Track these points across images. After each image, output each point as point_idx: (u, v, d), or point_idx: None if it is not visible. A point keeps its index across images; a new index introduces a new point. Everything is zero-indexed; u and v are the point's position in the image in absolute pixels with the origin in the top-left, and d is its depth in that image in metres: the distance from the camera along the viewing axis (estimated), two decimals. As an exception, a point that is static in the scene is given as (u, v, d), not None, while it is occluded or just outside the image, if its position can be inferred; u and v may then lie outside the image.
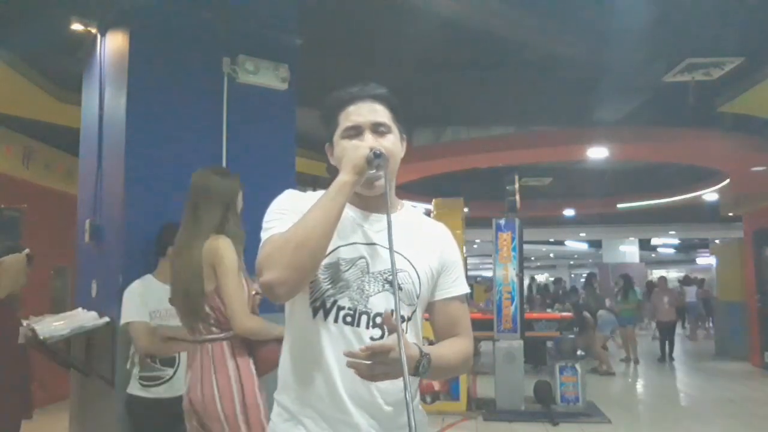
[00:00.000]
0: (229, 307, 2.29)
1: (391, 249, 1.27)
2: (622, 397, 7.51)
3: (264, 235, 1.40)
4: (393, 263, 1.27)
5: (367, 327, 1.38)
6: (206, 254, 2.33)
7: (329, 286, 1.39)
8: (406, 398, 1.10)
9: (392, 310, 1.28)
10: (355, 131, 1.43)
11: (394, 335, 1.24)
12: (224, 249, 2.32)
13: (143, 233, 3.11)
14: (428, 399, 6.63)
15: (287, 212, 1.41)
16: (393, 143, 1.45)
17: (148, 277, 3.01)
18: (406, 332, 1.43)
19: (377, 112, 1.44)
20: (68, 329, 3.14)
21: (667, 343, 11.38)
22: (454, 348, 1.47)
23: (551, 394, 6.85)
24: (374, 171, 1.37)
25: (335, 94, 1.48)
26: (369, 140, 1.41)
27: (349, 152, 1.37)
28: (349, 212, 1.45)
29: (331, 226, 1.34)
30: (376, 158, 1.35)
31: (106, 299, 3.34)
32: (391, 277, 1.40)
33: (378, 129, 1.43)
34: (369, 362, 1.21)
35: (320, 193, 1.50)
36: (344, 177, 1.35)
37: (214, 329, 2.38)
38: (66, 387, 4.12)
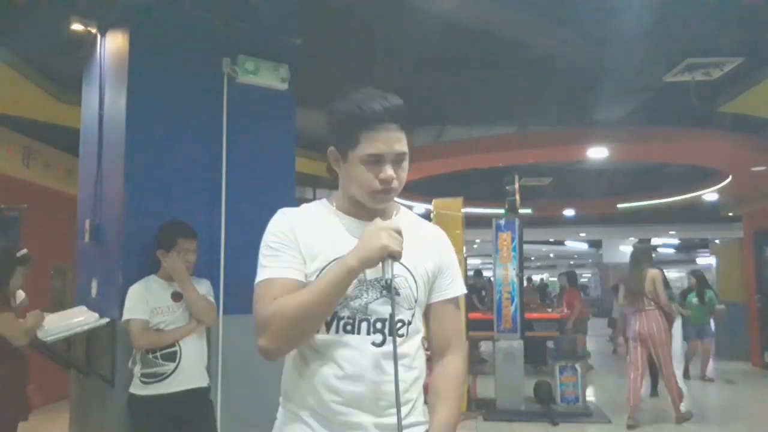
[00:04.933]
0: None
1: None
2: (622, 397, 7.49)
3: (259, 274, 1.42)
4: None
5: (368, 333, 1.40)
6: None
7: None
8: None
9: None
10: (376, 159, 1.38)
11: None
12: None
13: (143, 233, 3.11)
14: (428, 399, 6.62)
15: (280, 248, 1.42)
16: (406, 170, 1.44)
17: (152, 277, 3.05)
18: (407, 335, 1.45)
19: (400, 141, 1.39)
20: (68, 329, 3.15)
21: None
22: (453, 401, 1.50)
23: (551, 394, 6.84)
24: (386, 286, 1.36)
25: (354, 109, 1.37)
26: (388, 172, 1.38)
27: (372, 243, 1.33)
28: (345, 221, 1.46)
29: (332, 307, 1.36)
30: (386, 285, 1.34)
31: (106, 299, 3.34)
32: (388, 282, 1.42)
33: (398, 158, 1.40)
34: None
35: (315, 205, 1.52)
36: (354, 265, 1.33)
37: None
38: (66, 387, 4.12)
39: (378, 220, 1.38)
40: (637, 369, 6.21)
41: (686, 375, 9.10)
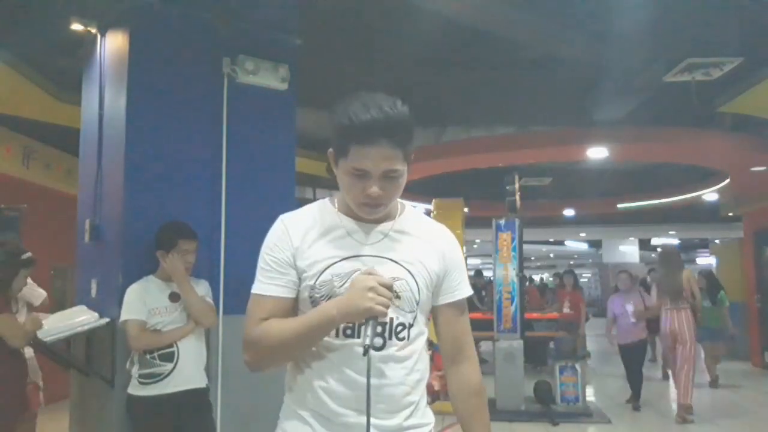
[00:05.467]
0: None
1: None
2: (622, 397, 7.49)
3: (254, 285, 1.45)
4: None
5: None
6: None
7: (326, 304, 1.40)
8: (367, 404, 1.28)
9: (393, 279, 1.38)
10: (363, 174, 1.35)
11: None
12: None
13: (143, 233, 3.11)
14: (428, 399, 6.61)
15: (274, 266, 1.43)
16: (399, 186, 1.41)
17: (150, 277, 3.05)
18: (409, 338, 1.44)
19: (390, 159, 1.34)
20: (68, 329, 3.15)
21: (633, 371, 7.23)
22: (486, 421, 1.54)
23: (551, 394, 6.85)
24: (363, 355, 1.32)
25: (347, 120, 1.33)
26: (371, 189, 1.35)
27: (356, 301, 1.31)
28: (344, 223, 1.45)
29: (310, 346, 1.40)
30: (365, 349, 1.30)
31: (106, 299, 3.34)
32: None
33: (388, 175, 1.37)
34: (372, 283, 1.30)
35: (318, 204, 1.51)
36: (335, 316, 1.33)
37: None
38: (66, 387, 4.12)
39: (369, 276, 1.34)
40: (689, 365, 6.46)
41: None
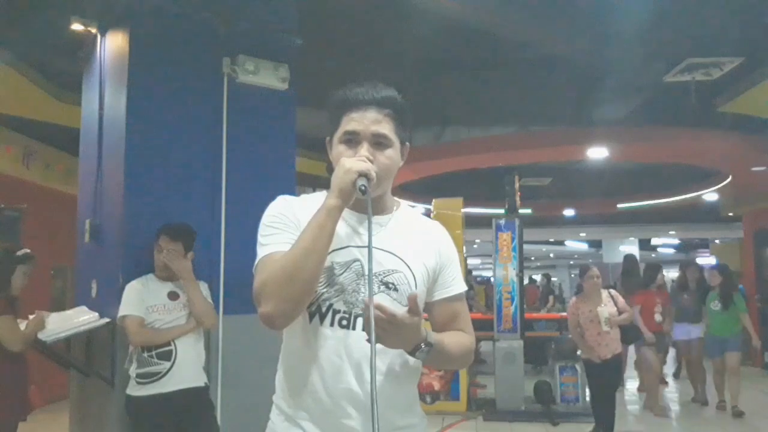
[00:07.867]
0: None
1: (369, 253, 1.29)
2: (622, 398, 7.49)
3: (259, 253, 1.41)
4: (370, 271, 1.28)
5: (363, 329, 1.37)
6: None
7: (324, 290, 1.38)
8: (372, 387, 1.17)
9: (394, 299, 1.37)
10: (354, 137, 1.41)
11: (413, 317, 1.27)
12: None
13: (143, 233, 3.11)
14: (428, 399, 6.62)
15: (280, 226, 1.42)
16: (390, 158, 1.43)
17: (149, 275, 3.06)
18: None
19: (380, 123, 1.40)
20: (68, 329, 3.15)
21: (604, 397, 5.19)
22: (457, 340, 1.47)
23: (551, 394, 6.84)
24: (362, 195, 1.33)
25: (341, 93, 1.44)
26: (364, 152, 1.38)
27: (339, 173, 1.34)
28: (344, 215, 1.43)
29: (322, 253, 1.32)
30: (363, 190, 1.32)
31: (106, 299, 3.34)
32: (386, 279, 1.41)
33: (377, 141, 1.41)
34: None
35: (315, 195, 1.52)
36: (332, 201, 1.33)
37: None
38: (66, 387, 4.12)
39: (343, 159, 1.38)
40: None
41: (703, 401, 7.26)
